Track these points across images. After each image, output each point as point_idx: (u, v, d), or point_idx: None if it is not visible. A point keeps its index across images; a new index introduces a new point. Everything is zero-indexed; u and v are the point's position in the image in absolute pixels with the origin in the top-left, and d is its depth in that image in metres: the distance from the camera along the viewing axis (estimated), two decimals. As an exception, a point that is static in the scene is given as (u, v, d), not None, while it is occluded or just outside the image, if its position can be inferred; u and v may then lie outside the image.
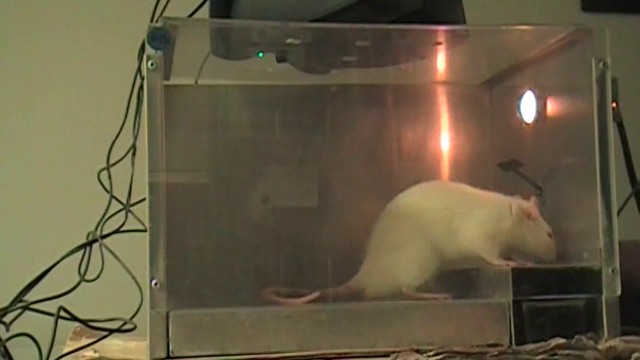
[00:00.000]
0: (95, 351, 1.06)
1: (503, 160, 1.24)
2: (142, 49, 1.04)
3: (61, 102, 1.78)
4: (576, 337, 0.96)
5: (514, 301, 1.02)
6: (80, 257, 1.20)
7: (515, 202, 1.12)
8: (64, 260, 1.20)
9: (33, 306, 1.16)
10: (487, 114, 1.31)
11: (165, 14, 1.12)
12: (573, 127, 1.11)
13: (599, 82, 1.05)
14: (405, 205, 1.14)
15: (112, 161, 1.22)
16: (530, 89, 1.20)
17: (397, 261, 1.12)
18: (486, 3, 1.66)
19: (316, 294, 1.10)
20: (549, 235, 1.11)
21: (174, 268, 0.98)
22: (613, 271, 1.03)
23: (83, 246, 1.21)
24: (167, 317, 0.96)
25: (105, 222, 1.21)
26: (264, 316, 0.99)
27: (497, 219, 1.11)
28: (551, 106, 1.17)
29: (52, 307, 1.08)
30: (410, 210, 1.13)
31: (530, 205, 1.12)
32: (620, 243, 1.04)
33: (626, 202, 1.18)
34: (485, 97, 1.31)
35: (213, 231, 1.22)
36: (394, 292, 1.10)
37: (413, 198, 1.14)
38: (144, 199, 0.99)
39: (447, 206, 1.13)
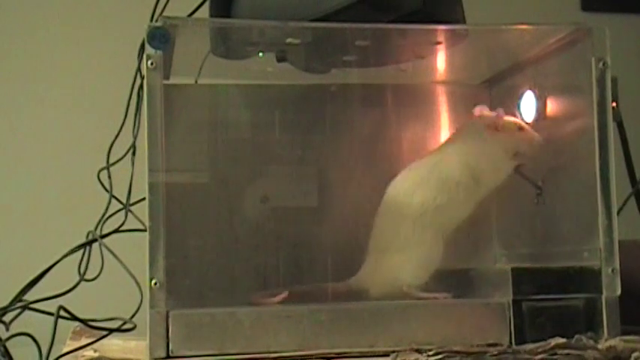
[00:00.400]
0: (95, 350, 1.06)
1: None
2: (142, 48, 1.04)
3: (61, 101, 1.78)
4: (576, 336, 0.96)
5: (514, 301, 1.02)
6: (80, 257, 1.20)
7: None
8: (64, 260, 1.20)
9: (33, 305, 1.16)
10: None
11: (165, 14, 1.12)
12: (573, 127, 1.11)
13: (599, 82, 1.05)
14: (401, 195, 1.14)
15: (111, 161, 1.22)
16: (530, 89, 1.20)
17: (398, 260, 1.12)
18: (486, 3, 1.66)
19: (284, 294, 1.10)
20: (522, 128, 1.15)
21: (174, 267, 0.98)
22: (613, 270, 1.03)
23: (83, 245, 1.21)
24: (167, 317, 0.96)
25: (105, 221, 1.21)
26: (263, 316, 0.99)
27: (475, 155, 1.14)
28: (551, 106, 1.17)
29: (51, 306, 1.08)
30: (407, 200, 1.13)
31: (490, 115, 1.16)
32: (619, 243, 1.04)
33: (625, 201, 1.18)
34: (485, 96, 1.31)
35: (212, 231, 1.22)
36: (395, 291, 1.10)
37: (405, 185, 1.14)
38: (144, 199, 0.99)
39: (442, 167, 1.14)
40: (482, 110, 1.18)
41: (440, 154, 1.17)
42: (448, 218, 1.13)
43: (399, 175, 1.16)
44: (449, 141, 1.20)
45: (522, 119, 1.20)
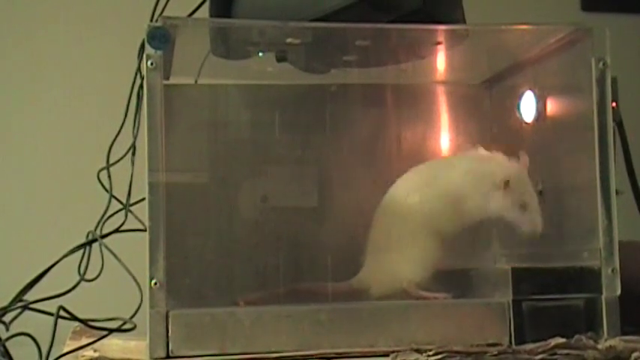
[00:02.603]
0: (95, 350, 1.06)
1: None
2: (142, 48, 1.04)
3: (61, 101, 1.78)
4: (576, 336, 0.96)
5: (514, 301, 1.01)
6: (80, 257, 1.20)
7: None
8: (64, 260, 1.20)
9: (33, 305, 1.16)
10: (487, 113, 1.31)
11: (165, 14, 1.12)
12: (573, 127, 1.11)
13: (599, 82, 1.05)
14: (402, 197, 1.14)
15: (111, 161, 1.22)
16: (530, 89, 1.20)
17: (399, 257, 1.12)
18: (486, 3, 1.66)
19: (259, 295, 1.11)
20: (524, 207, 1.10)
21: (174, 267, 0.98)
22: (613, 270, 1.03)
23: (83, 245, 1.21)
24: (167, 317, 0.96)
25: (105, 221, 1.21)
26: (263, 316, 0.98)
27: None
28: (551, 106, 1.17)
29: (51, 306, 1.08)
30: (407, 202, 1.13)
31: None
32: (619, 243, 1.04)
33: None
34: (485, 96, 1.31)
35: (212, 230, 1.22)
36: (396, 290, 1.10)
37: (407, 187, 1.14)
38: (143, 199, 0.99)
39: (446, 185, 1.12)
40: (524, 165, 1.12)
41: (442, 168, 1.16)
42: (446, 225, 1.13)
43: (400, 178, 1.16)
44: (457, 159, 1.18)
45: (522, 119, 1.20)
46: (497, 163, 1.12)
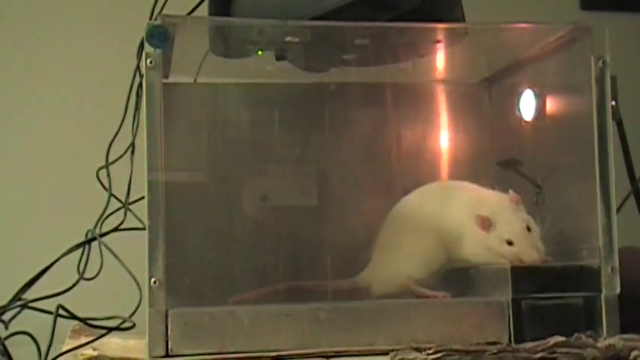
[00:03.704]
0: (94, 349, 1.06)
1: (502, 159, 1.24)
2: (141, 46, 1.04)
3: (60, 100, 1.78)
4: (575, 335, 0.96)
5: (513, 300, 1.01)
6: (79, 255, 1.20)
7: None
8: (63, 258, 1.20)
9: (32, 304, 1.16)
10: (486, 112, 1.31)
11: (164, 12, 1.12)
12: (572, 126, 1.11)
13: (599, 81, 1.05)
14: (412, 208, 1.14)
15: (110, 159, 1.22)
16: (529, 87, 1.20)
17: (401, 254, 1.12)
18: (485, 1, 1.65)
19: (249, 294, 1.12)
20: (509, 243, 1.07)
21: (173, 266, 0.98)
22: (612, 269, 1.03)
23: (82, 244, 1.21)
24: (166, 315, 0.96)
25: (104, 220, 1.21)
26: (263, 315, 0.98)
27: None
28: (551, 105, 1.17)
29: (50, 305, 1.08)
30: (417, 213, 1.13)
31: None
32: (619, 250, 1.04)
33: (625, 200, 1.18)
34: (485, 95, 1.31)
35: (212, 229, 1.22)
36: (398, 288, 1.10)
37: (419, 201, 1.15)
38: (143, 198, 0.99)
39: (451, 214, 1.12)
40: (516, 202, 1.10)
41: (454, 201, 1.14)
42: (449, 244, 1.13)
43: (415, 191, 1.16)
44: (466, 189, 1.15)
45: (522, 118, 1.20)
46: (481, 200, 1.12)
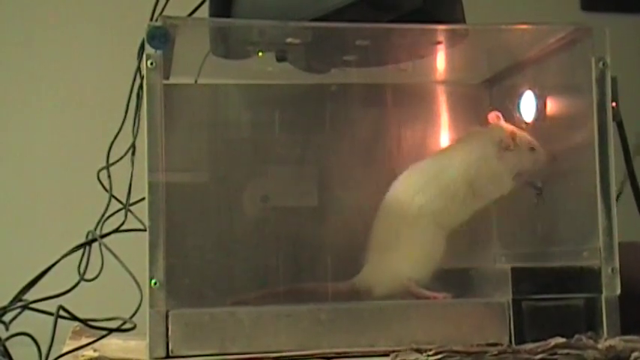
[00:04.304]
0: (95, 350, 1.06)
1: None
2: (142, 48, 1.04)
3: (61, 101, 1.78)
4: (576, 336, 0.96)
5: (514, 301, 1.02)
6: (80, 256, 1.20)
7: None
8: (64, 259, 1.20)
9: (32, 305, 1.16)
10: (487, 113, 1.30)
11: (164, 13, 1.12)
12: (573, 127, 1.11)
13: (599, 82, 1.05)
14: (402, 196, 1.14)
15: (111, 160, 1.22)
16: (529, 88, 1.20)
17: (399, 255, 1.12)
18: (486, 2, 1.66)
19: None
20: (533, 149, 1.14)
21: (174, 267, 0.98)
22: (613, 270, 1.03)
23: (83, 245, 1.21)
24: (166, 316, 0.96)
25: (104, 221, 1.21)
26: (263, 316, 0.99)
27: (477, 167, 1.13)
28: (551, 106, 1.17)
29: (51, 306, 1.08)
30: (408, 201, 1.13)
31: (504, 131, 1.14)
32: (619, 244, 1.04)
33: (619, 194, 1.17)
34: (485, 96, 1.31)
35: (212, 230, 1.22)
36: (397, 288, 1.10)
37: (406, 186, 1.14)
38: (143, 199, 0.99)
39: (446, 184, 1.13)
40: (497, 119, 1.17)
41: (443, 159, 1.16)
42: (447, 220, 1.13)
43: (400, 176, 1.16)
44: (455, 145, 1.19)
45: (522, 119, 1.20)
46: (491, 130, 1.15)
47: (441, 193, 1.12)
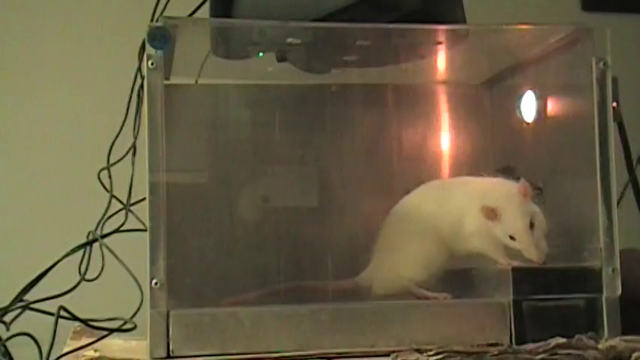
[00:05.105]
0: (95, 350, 1.06)
1: (498, 167, 1.24)
2: (143, 48, 1.04)
3: (61, 101, 1.78)
4: (577, 336, 0.96)
5: (514, 301, 1.01)
6: (80, 257, 1.20)
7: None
8: (65, 260, 1.20)
9: (33, 305, 1.16)
10: (487, 114, 1.31)
11: (165, 13, 1.12)
12: (574, 127, 1.11)
13: (600, 82, 1.05)
14: (412, 208, 1.14)
15: (112, 161, 1.22)
16: (530, 89, 1.20)
17: (402, 257, 1.12)
18: (486, 2, 1.65)
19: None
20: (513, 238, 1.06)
21: (175, 267, 0.98)
22: (613, 270, 1.03)
23: (83, 245, 1.21)
24: (167, 317, 0.96)
25: (105, 221, 1.21)
26: (264, 316, 0.98)
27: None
28: (552, 106, 1.17)
29: (52, 306, 1.08)
30: (416, 212, 1.13)
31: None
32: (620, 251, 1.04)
33: (622, 193, 1.17)
34: (486, 96, 1.31)
35: (213, 230, 1.22)
36: (398, 289, 1.10)
37: (419, 200, 1.15)
38: (144, 199, 0.99)
39: (452, 207, 1.12)
40: (524, 190, 1.07)
41: (456, 194, 1.14)
42: (452, 242, 1.12)
43: (415, 189, 1.16)
44: (475, 185, 1.13)
45: (523, 119, 1.20)
46: (489, 190, 1.10)
47: (443, 218, 1.12)
